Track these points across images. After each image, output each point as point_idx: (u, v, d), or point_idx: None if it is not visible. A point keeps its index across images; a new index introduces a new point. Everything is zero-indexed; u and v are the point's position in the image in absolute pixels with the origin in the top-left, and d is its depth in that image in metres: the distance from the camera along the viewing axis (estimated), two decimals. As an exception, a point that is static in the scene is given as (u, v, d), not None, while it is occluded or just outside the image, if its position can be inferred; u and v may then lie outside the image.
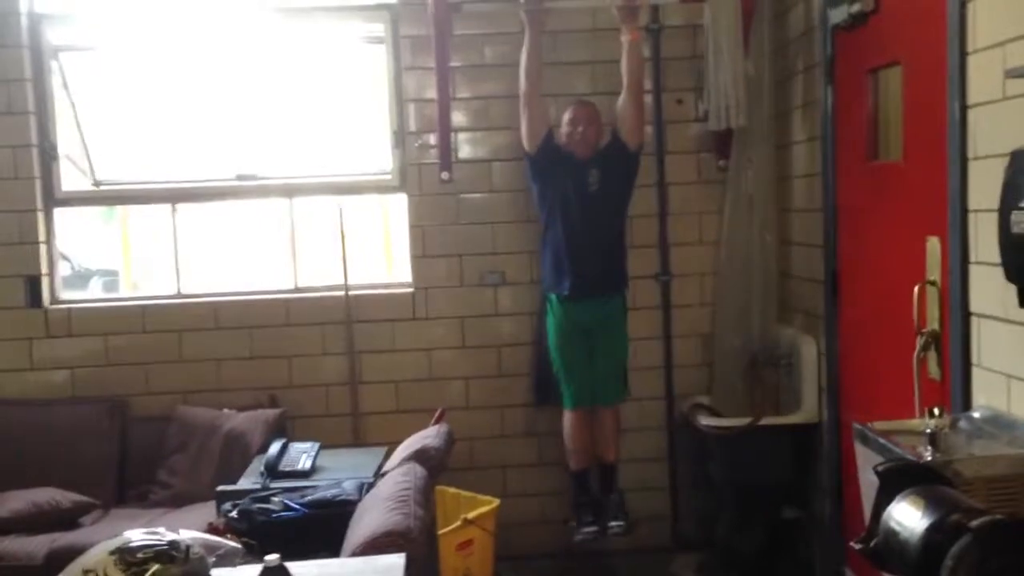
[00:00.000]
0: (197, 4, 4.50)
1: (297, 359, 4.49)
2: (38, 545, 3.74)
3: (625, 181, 4.21)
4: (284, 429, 4.27)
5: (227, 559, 2.38)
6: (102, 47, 4.67)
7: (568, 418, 4.23)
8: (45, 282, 4.48)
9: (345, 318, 4.48)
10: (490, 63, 4.45)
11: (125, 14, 4.51)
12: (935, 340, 2.83)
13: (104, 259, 6.26)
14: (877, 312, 3.41)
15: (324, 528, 3.15)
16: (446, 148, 4.35)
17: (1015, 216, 2.28)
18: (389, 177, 4.60)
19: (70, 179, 4.59)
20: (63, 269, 4.80)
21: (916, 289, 2.85)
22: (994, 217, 2.41)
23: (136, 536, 2.17)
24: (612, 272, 4.19)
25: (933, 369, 2.86)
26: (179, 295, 4.59)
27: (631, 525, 4.22)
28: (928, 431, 2.24)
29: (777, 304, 4.32)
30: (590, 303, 4.14)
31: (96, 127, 4.65)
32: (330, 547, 2.78)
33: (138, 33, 4.57)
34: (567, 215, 4.10)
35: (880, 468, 1.82)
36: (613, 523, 4.21)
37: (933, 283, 2.84)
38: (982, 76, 2.56)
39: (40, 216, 4.47)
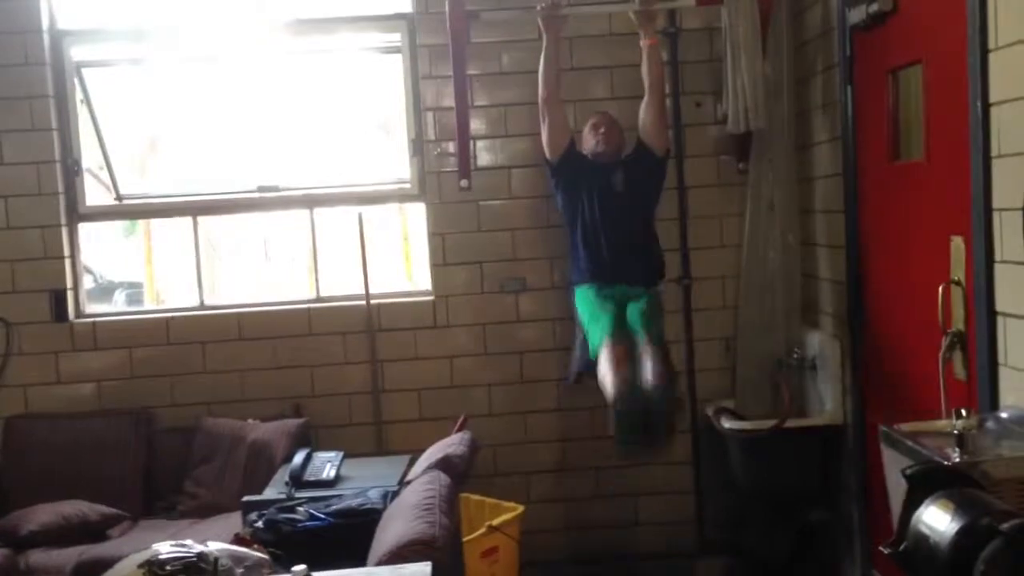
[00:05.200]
0: (216, 18, 4.54)
1: (320, 369, 4.51)
2: (66, 558, 3.76)
3: (651, 184, 4.18)
4: (308, 439, 4.29)
5: (254, 570, 2.38)
6: (123, 63, 4.72)
7: (603, 353, 3.77)
8: (70, 296, 4.52)
9: (367, 327, 4.50)
10: (508, 70, 4.46)
11: (145, 30, 4.55)
12: (961, 340, 2.81)
13: (127, 272, 6.32)
14: (902, 312, 3.39)
15: (350, 537, 3.15)
16: (465, 156, 4.35)
17: (1040, 214, 2.26)
18: (408, 186, 4.61)
19: (93, 194, 4.63)
20: (87, 283, 4.84)
21: (941, 289, 2.83)
22: (1019, 216, 2.39)
23: (165, 549, 2.18)
24: (639, 273, 4.15)
25: (959, 369, 2.83)
26: (202, 307, 4.62)
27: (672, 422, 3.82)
28: (955, 432, 2.22)
29: (800, 306, 4.30)
30: (620, 287, 4.05)
31: (118, 142, 4.69)
32: (356, 556, 2.78)
33: (158, 48, 4.61)
34: (593, 218, 4.07)
35: (908, 471, 1.81)
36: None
37: (958, 283, 2.82)
38: (1004, 73, 2.54)
39: (64, 231, 4.51)
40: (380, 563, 2.58)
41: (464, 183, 4.39)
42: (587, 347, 4.02)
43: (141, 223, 5.61)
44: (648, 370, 3.69)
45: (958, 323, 2.82)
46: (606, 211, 4.07)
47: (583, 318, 4.08)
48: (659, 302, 4.11)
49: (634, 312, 3.96)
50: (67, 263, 4.52)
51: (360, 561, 2.73)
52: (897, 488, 1.93)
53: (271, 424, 4.32)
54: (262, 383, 4.48)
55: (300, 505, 3.45)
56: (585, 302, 4.08)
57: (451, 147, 4.43)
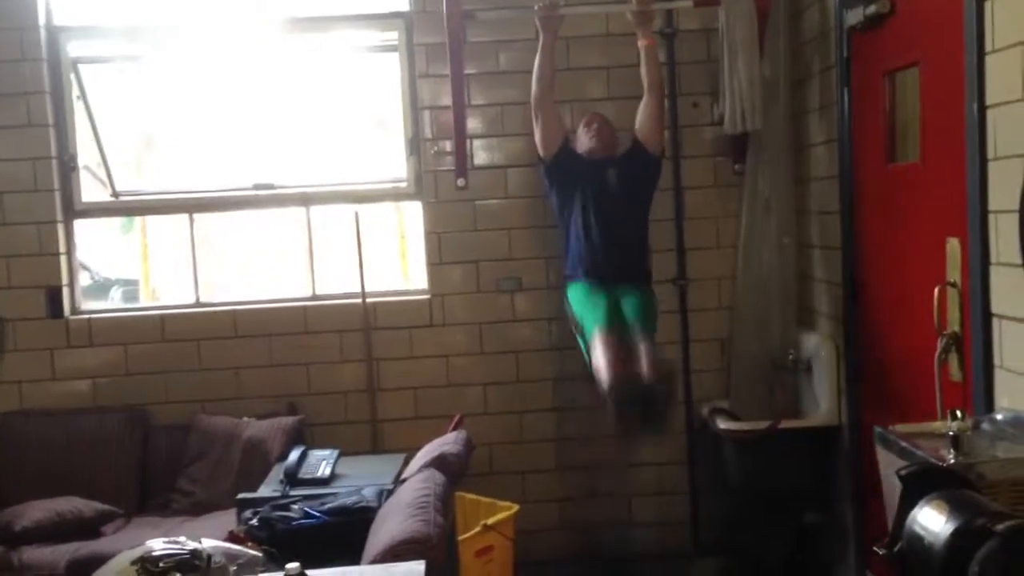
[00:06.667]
0: (213, 15, 4.53)
1: (315, 366, 4.50)
2: (60, 554, 3.76)
3: (645, 184, 4.17)
4: (303, 436, 4.28)
5: (248, 568, 2.38)
6: (120, 59, 4.71)
7: (597, 341, 3.74)
8: (66, 293, 4.51)
9: (363, 325, 4.49)
10: (505, 70, 4.46)
11: (142, 27, 4.54)
12: (956, 342, 2.81)
13: (123, 269, 6.31)
14: (897, 314, 3.39)
15: (344, 535, 3.15)
16: (462, 155, 4.36)
17: (1036, 216, 2.26)
18: (405, 184, 4.61)
19: (89, 190, 4.62)
20: (83, 279, 4.83)
21: (936, 291, 2.84)
22: (1015, 218, 2.39)
23: (158, 545, 2.18)
24: (632, 270, 4.14)
25: (955, 371, 2.83)
26: (198, 304, 4.62)
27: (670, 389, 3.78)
28: (950, 434, 2.22)
29: (796, 307, 4.30)
30: (612, 285, 4.00)
31: (114, 138, 4.69)
32: (350, 554, 2.79)
33: (155, 45, 4.61)
34: (588, 215, 4.06)
35: (903, 472, 1.81)
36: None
37: (954, 284, 2.83)
38: (1001, 76, 2.54)
39: (60, 228, 4.50)
40: (374, 561, 2.58)
41: (461, 182, 4.40)
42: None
43: (137, 220, 5.61)
44: (643, 363, 3.67)
45: (954, 325, 2.82)
46: (601, 208, 4.06)
47: (575, 310, 4.01)
48: (654, 300, 4.08)
49: (629, 305, 3.93)
50: (63, 260, 4.51)
51: (354, 559, 2.73)
52: (892, 489, 1.93)
53: (266, 422, 4.32)
54: (257, 381, 4.48)
55: (295, 503, 3.46)
56: (578, 295, 4.04)
57: (448, 146, 4.43)
